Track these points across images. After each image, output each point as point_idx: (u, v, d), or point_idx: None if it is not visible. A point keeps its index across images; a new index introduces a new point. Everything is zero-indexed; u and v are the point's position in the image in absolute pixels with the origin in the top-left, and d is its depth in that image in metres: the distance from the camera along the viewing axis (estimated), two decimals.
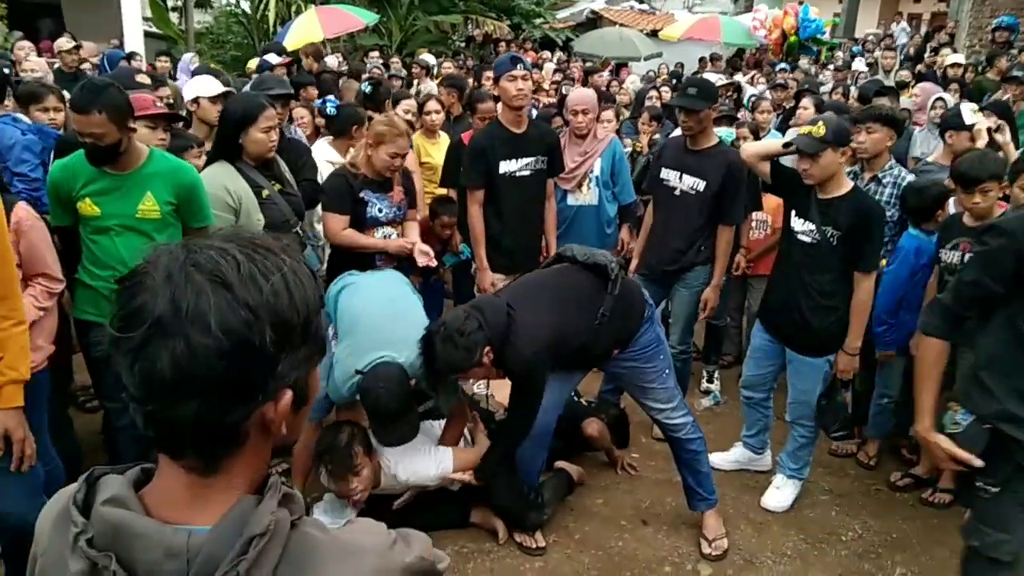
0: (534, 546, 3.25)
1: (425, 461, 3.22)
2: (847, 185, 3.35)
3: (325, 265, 3.90)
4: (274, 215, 3.35)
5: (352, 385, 2.99)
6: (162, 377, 0.77)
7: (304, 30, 10.64)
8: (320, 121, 5.04)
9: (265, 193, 3.34)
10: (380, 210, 3.64)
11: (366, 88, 5.20)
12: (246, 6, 15.21)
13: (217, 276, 0.79)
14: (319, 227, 3.99)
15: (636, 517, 3.54)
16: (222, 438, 0.82)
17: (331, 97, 5.29)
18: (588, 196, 4.58)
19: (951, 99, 6.09)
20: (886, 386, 3.94)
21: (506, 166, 4.02)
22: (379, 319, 3.15)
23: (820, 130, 3.23)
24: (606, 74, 10.29)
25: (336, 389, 3.07)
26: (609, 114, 5.45)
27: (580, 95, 4.72)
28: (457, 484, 3.28)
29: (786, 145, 3.53)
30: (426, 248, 3.71)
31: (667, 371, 3.22)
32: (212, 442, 0.82)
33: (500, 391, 3.53)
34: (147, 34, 13.72)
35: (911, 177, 4.11)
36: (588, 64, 12.17)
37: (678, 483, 3.47)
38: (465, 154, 4.22)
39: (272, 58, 6.41)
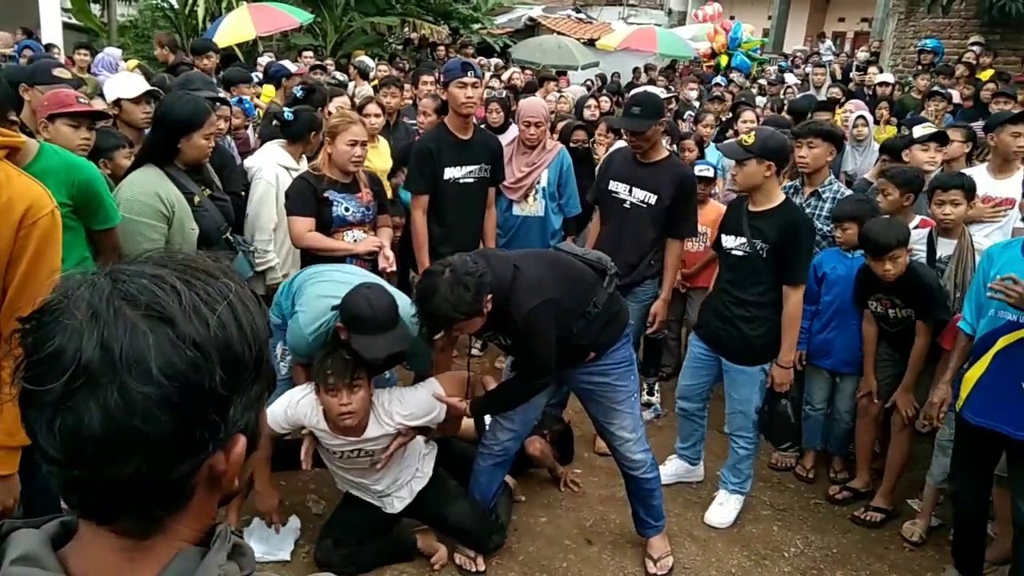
0: (473, 569, 3.13)
1: (417, 391, 3.05)
2: (777, 199, 3.40)
3: (278, 263, 3.91)
4: (207, 223, 3.18)
5: (326, 322, 2.82)
6: (91, 435, 0.64)
7: (235, 27, 10.29)
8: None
9: (197, 199, 3.16)
10: (347, 209, 3.52)
11: (298, 92, 4.99)
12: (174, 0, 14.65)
13: (155, 310, 0.67)
14: (262, 235, 3.87)
15: (580, 536, 3.46)
16: (164, 498, 0.70)
17: (246, 97, 5.12)
18: (534, 207, 4.54)
19: (869, 117, 6.29)
20: (809, 395, 4.00)
21: (451, 172, 3.94)
22: (365, 276, 3.05)
23: (749, 139, 3.35)
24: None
25: (300, 337, 2.88)
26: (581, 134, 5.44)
27: (532, 106, 4.66)
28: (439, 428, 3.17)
29: None
30: (390, 253, 3.59)
31: (635, 396, 3.16)
32: (152, 504, 0.69)
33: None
34: (66, 25, 13.07)
35: (849, 192, 4.18)
36: (538, 71, 12.11)
37: (621, 499, 3.42)
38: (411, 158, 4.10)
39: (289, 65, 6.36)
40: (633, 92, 4.45)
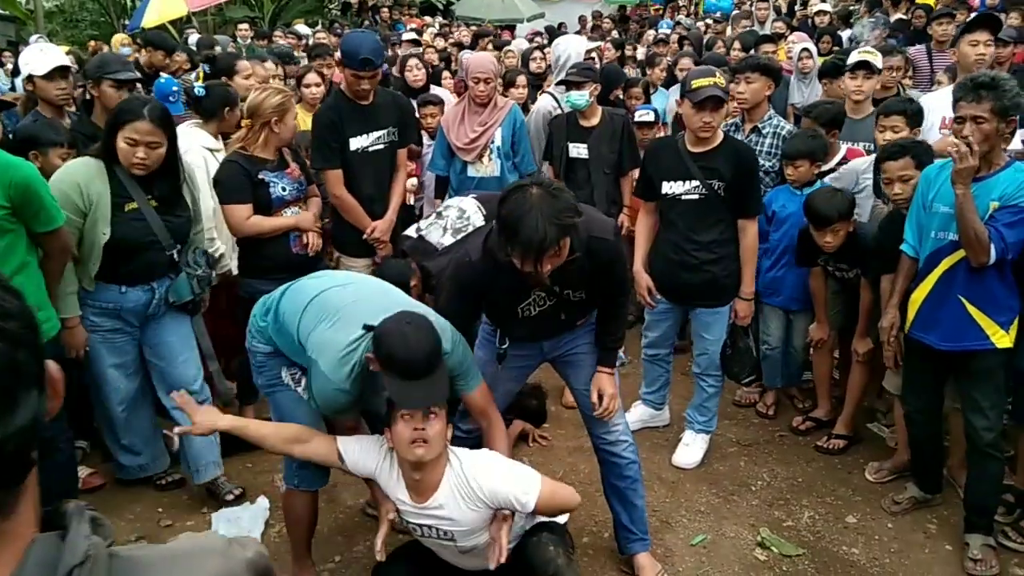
0: None
1: (499, 462, 2.48)
2: (720, 136, 3.39)
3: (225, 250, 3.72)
4: (132, 232, 2.98)
5: (356, 353, 2.27)
6: None
7: (166, 5, 9.98)
8: None
9: (131, 206, 2.98)
10: (284, 189, 3.46)
11: (206, 68, 4.83)
12: None
13: None
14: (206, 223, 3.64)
15: None
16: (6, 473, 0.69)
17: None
18: (490, 167, 4.37)
19: (813, 49, 6.28)
20: (765, 333, 4.02)
21: (357, 142, 3.78)
22: (366, 289, 2.55)
23: (722, 80, 3.29)
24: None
25: (333, 391, 2.32)
26: (523, 79, 5.34)
27: (480, 61, 4.49)
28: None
29: None
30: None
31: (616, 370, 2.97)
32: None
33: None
34: None
35: (790, 127, 4.18)
36: (474, 27, 11.90)
37: (588, 450, 3.38)
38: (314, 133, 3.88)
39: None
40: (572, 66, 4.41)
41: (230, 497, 3.33)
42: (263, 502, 3.30)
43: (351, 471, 2.53)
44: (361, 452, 2.48)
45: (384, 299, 2.45)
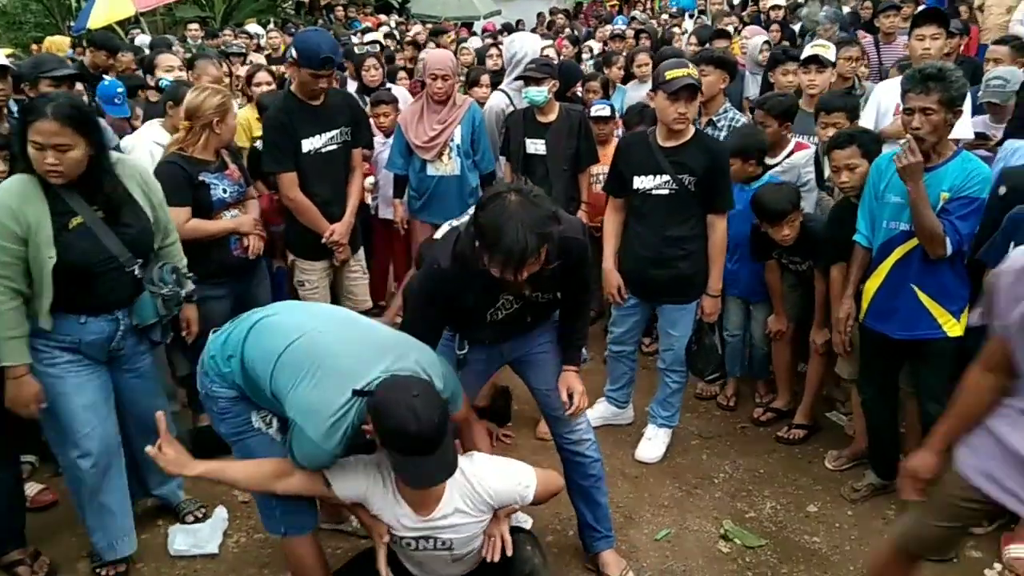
0: None
1: (498, 461, 2.51)
2: (691, 130, 3.36)
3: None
4: (83, 251, 2.58)
5: (346, 419, 2.11)
6: None
7: (112, 5, 9.75)
8: None
9: (76, 222, 2.59)
10: (224, 191, 3.39)
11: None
12: None
13: None
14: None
15: None
16: None
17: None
18: (449, 166, 4.32)
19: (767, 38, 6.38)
20: (725, 321, 4.03)
21: (309, 143, 3.70)
22: (342, 333, 2.32)
23: (695, 72, 3.26)
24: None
25: (320, 453, 2.15)
26: (486, 79, 5.31)
27: (438, 57, 4.42)
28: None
29: None
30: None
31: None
32: None
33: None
34: None
35: (745, 120, 4.21)
36: (431, 25, 11.84)
37: (551, 447, 3.37)
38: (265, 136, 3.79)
39: None
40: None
41: (190, 519, 3.19)
42: (221, 512, 3.22)
43: (338, 498, 2.37)
44: (349, 476, 2.33)
45: (361, 346, 2.27)
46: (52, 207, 2.55)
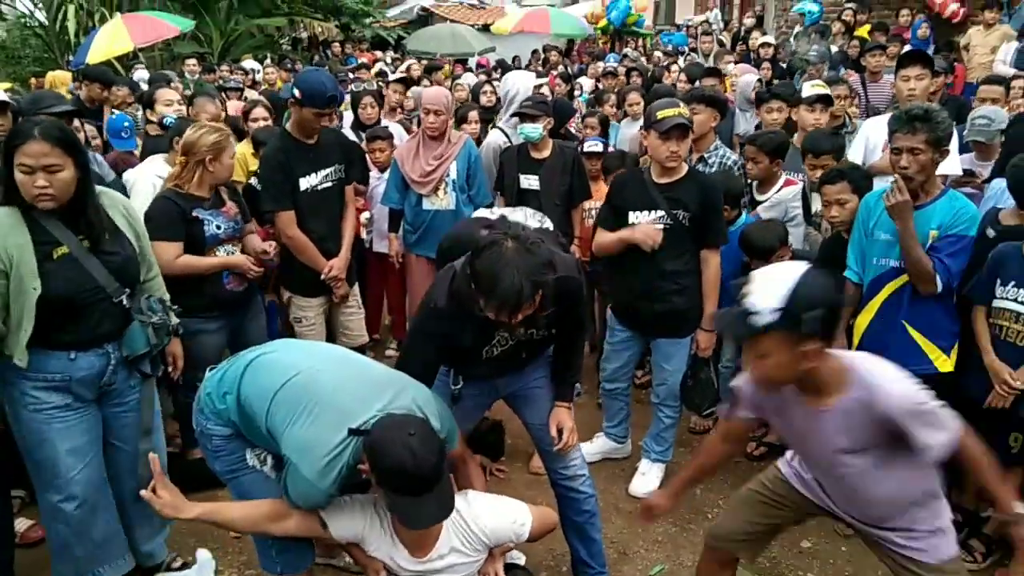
0: None
1: (494, 499, 2.49)
2: (684, 168, 3.42)
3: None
4: (68, 281, 2.51)
5: (342, 458, 2.10)
6: None
7: (111, 40, 9.88)
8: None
9: (60, 251, 2.51)
10: (219, 227, 3.40)
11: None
12: (42, 16, 13.88)
13: None
14: None
15: None
16: None
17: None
18: (445, 200, 4.39)
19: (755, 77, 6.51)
20: (723, 351, 4.06)
21: (306, 182, 3.75)
22: (339, 371, 2.32)
23: (686, 111, 3.35)
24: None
25: (315, 492, 2.15)
26: (475, 114, 5.38)
27: (433, 94, 4.50)
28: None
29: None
30: (265, 246, 3.54)
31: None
32: None
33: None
34: None
35: (735, 157, 4.28)
36: (426, 62, 11.99)
37: (545, 483, 3.36)
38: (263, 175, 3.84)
39: None
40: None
41: (178, 563, 3.12)
42: (203, 555, 3.02)
43: (335, 539, 2.36)
44: (345, 516, 2.32)
45: (358, 384, 2.27)
46: (35, 237, 2.49)
